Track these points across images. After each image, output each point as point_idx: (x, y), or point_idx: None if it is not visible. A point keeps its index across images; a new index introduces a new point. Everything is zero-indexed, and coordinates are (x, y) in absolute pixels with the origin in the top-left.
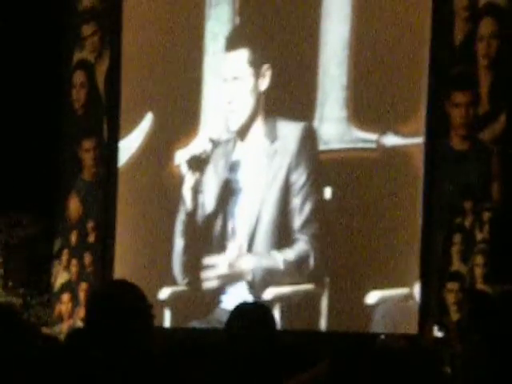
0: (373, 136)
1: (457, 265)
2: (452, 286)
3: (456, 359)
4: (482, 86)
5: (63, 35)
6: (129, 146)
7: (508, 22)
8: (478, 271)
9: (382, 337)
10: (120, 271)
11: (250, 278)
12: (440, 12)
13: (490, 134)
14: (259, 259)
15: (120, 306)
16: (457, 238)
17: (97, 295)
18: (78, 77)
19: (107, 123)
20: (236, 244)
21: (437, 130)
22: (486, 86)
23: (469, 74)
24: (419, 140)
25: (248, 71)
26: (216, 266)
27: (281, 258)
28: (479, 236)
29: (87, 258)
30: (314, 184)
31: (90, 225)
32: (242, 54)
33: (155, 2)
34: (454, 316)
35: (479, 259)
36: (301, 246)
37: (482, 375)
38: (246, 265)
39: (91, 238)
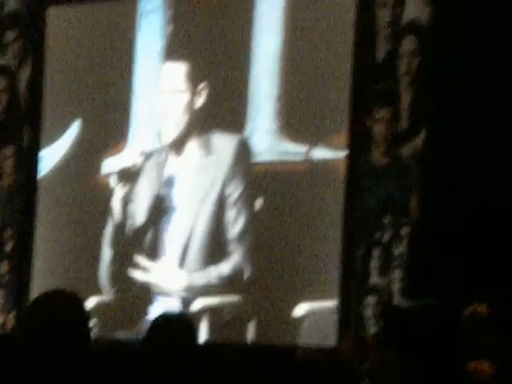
0: (302, 148)
1: (375, 279)
2: (370, 299)
3: (373, 373)
4: (402, 102)
5: None
6: (52, 155)
7: (429, 40)
8: (396, 285)
9: (301, 350)
10: (38, 280)
11: (181, 292)
12: (363, 29)
13: (410, 149)
14: (191, 274)
15: (60, 317)
16: (375, 252)
17: (36, 304)
18: None
19: (28, 130)
20: (167, 258)
21: (359, 145)
22: (406, 102)
23: (390, 90)
24: (344, 154)
25: (185, 86)
26: (146, 278)
27: (215, 274)
28: (397, 251)
29: (4, 267)
30: (249, 196)
31: (8, 233)
32: (181, 68)
33: (82, 8)
34: (372, 329)
35: (397, 274)
36: (235, 258)
37: None
38: (178, 279)
39: (9, 247)
